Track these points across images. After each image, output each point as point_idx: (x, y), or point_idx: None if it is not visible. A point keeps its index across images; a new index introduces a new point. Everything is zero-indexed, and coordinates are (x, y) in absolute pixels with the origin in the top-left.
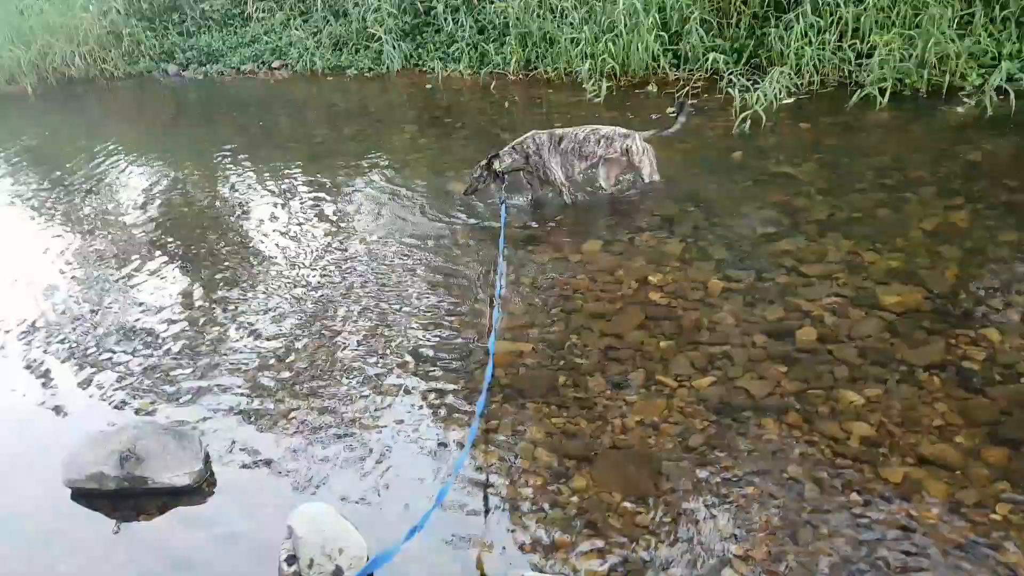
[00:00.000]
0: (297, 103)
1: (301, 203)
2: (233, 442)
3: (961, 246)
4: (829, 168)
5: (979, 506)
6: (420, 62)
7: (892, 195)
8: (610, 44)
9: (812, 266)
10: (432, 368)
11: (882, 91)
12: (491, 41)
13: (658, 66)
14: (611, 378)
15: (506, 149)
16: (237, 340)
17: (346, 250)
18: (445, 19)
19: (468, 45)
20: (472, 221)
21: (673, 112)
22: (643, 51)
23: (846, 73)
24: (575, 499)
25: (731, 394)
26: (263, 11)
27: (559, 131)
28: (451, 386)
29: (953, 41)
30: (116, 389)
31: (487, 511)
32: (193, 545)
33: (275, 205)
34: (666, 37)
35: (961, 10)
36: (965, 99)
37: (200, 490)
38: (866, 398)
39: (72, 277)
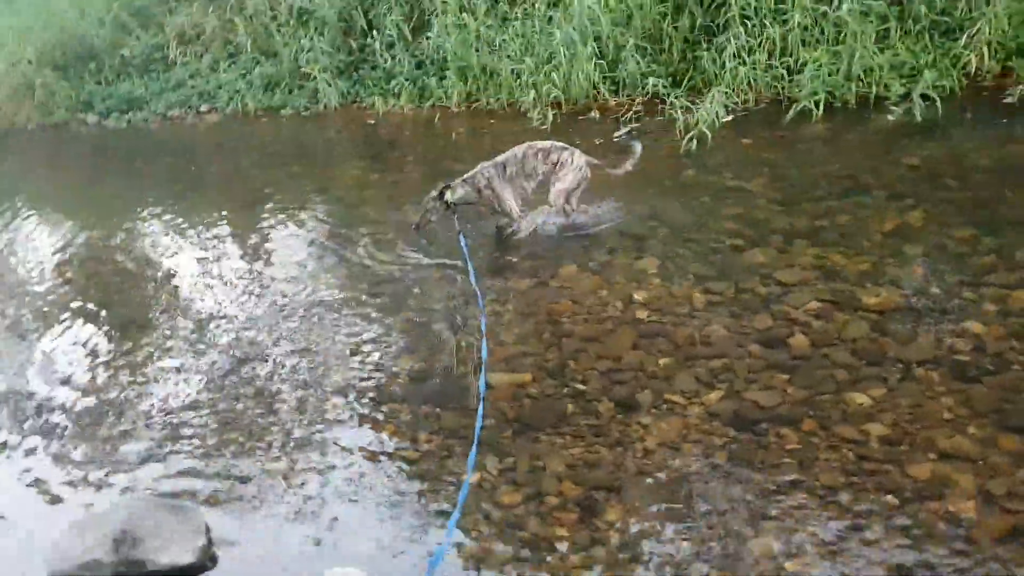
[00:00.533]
0: (231, 147)
1: (244, 253)
2: (223, 512)
3: (923, 244)
4: (779, 180)
5: (1011, 495)
6: (358, 99)
7: (845, 201)
8: (552, 74)
9: (786, 273)
10: (423, 409)
11: (816, 104)
12: (431, 75)
13: (598, 93)
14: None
15: (458, 181)
16: (192, 403)
17: (302, 300)
18: (382, 55)
19: (407, 80)
20: (431, 258)
21: (619, 136)
22: (583, 79)
23: (779, 89)
24: (614, 533)
25: (742, 407)
26: (188, 55)
27: (501, 158)
28: (450, 425)
29: (875, 55)
30: (74, 466)
31: (526, 557)
32: None
33: (213, 257)
34: (604, 65)
35: (878, 25)
36: (893, 108)
37: (204, 567)
38: (872, 398)
39: None
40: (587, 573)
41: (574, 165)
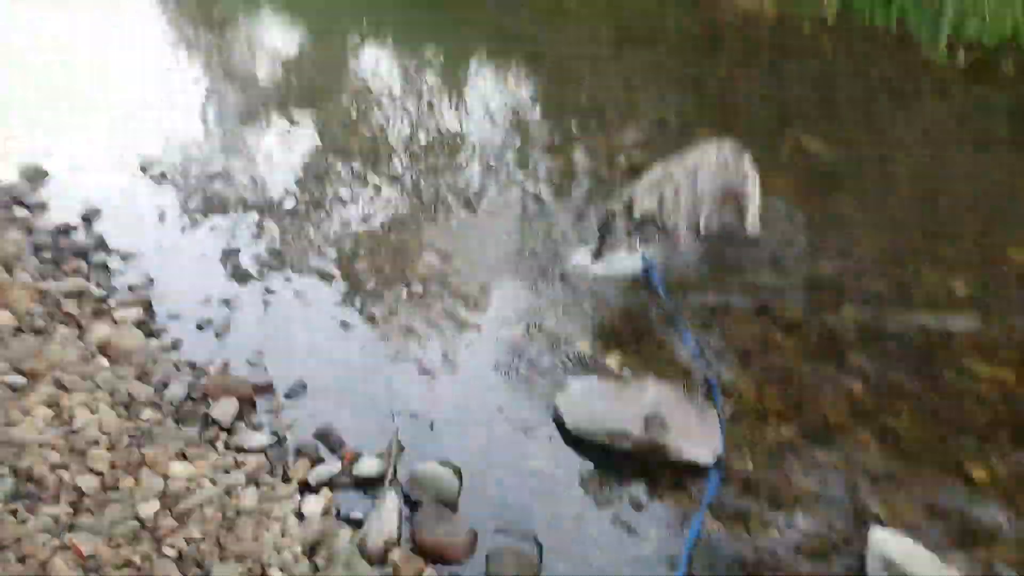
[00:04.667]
0: (577, 13)
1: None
2: None
3: None
4: None
5: None
6: None
7: None
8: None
9: None
10: None
11: None
12: None
13: (1017, 42)
14: None
15: (641, 188)
16: None
17: None
18: None
19: None
20: None
21: None
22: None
23: None
24: None
25: None
26: None
27: (690, 161)
28: None
29: None
30: None
31: None
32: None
33: None
34: None
35: None
36: None
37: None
38: None
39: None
40: None
41: (755, 177)
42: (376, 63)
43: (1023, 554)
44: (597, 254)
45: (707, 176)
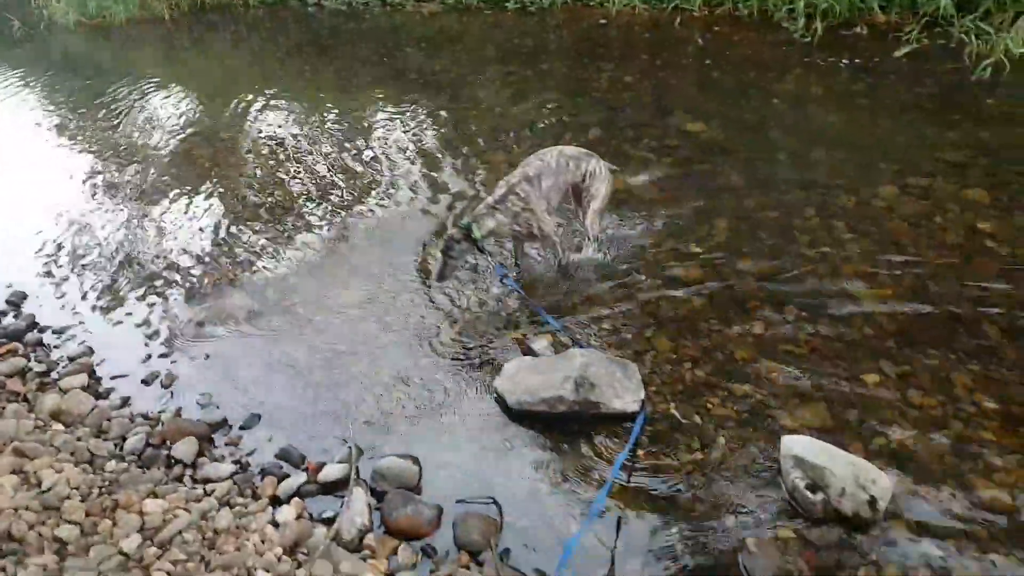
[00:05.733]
0: (457, 38)
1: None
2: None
3: None
4: None
5: None
6: None
7: None
8: None
9: None
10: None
11: None
12: None
13: (865, 8)
14: None
15: (483, 209)
16: None
17: None
18: None
19: None
20: None
21: (900, 55)
22: None
23: None
24: None
25: None
26: None
27: (530, 169)
28: None
29: None
30: None
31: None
32: (667, 473)
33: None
34: None
35: None
36: None
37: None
38: None
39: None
40: None
41: (603, 176)
42: (264, 115)
43: (910, 433)
44: (441, 274)
45: (552, 177)
